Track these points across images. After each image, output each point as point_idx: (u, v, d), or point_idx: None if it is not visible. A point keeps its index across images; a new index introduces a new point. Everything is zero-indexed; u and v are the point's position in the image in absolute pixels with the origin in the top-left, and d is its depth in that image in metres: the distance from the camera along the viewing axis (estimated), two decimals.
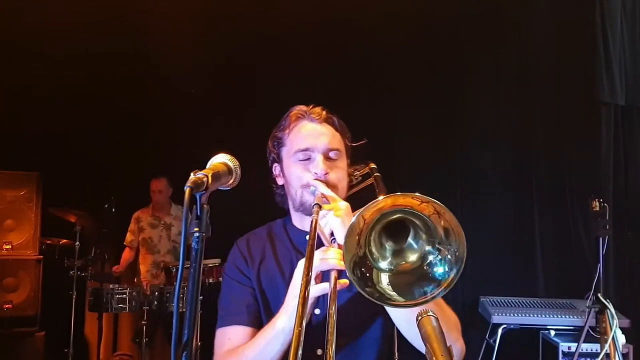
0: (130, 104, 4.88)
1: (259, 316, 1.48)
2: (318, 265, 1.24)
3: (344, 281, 1.22)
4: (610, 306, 2.84)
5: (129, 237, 4.87)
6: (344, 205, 1.36)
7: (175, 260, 4.68)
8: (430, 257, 1.12)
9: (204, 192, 1.03)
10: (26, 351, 4.54)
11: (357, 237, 1.09)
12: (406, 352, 1.41)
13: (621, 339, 2.97)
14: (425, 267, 1.12)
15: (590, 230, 3.40)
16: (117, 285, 4.31)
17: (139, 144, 4.94)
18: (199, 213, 1.02)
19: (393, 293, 1.10)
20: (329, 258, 1.24)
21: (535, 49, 4.53)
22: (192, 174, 1.04)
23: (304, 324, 1.00)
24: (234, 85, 4.82)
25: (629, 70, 4.35)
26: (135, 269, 4.91)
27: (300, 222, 1.57)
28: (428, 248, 1.12)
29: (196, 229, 1.00)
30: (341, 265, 1.20)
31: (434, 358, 0.96)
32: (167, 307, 4.23)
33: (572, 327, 3.61)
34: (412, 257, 1.14)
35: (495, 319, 3.67)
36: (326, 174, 1.46)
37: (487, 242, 4.44)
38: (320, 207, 1.35)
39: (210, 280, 4.25)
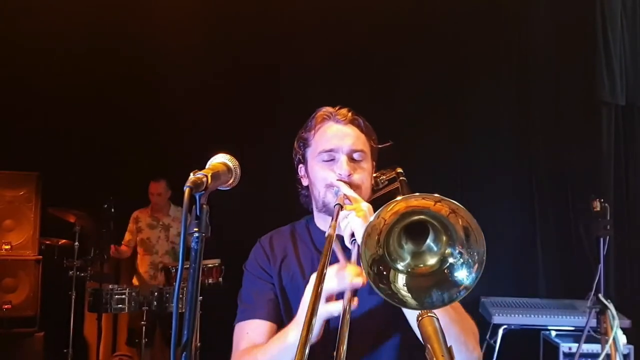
0: (131, 104, 4.87)
1: (279, 312, 1.47)
2: (335, 286, 1.22)
3: (355, 301, 1.20)
4: (611, 306, 2.83)
5: (127, 236, 4.86)
6: (366, 206, 1.35)
7: (173, 261, 4.67)
8: (451, 260, 1.09)
9: (203, 192, 1.02)
10: (25, 352, 4.53)
11: (377, 237, 1.07)
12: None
13: (622, 339, 2.97)
14: (445, 271, 1.09)
15: (591, 230, 3.40)
16: (116, 286, 4.29)
17: (139, 144, 4.94)
18: (198, 213, 1.01)
19: (407, 294, 1.08)
20: (346, 277, 1.21)
21: (535, 49, 4.52)
22: (191, 174, 1.04)
23: (307, 347, 0.97)
24: (234, 85, 4.81)
25: (629, 70, 4.36)
26: (134, 269, 4.90)
27: (323, 222, 1.56)
28: (449, 250, 1.09)
29: (195, 229, 1.00)
30: (358, 282, 1.18)
31: (434, 358, 0.95)
32: (167, 308, 4.22)
33: (573, 328, 3.61)
34: (432, 260, 1.12)
35: (496, 319, 3.67)
36: (349, 175, 1.46)
37: (487, 242, 4.43)
38: (342, 207, 1.34)
39: (210, 281, 4.24)
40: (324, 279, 1.12)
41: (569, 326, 3.62)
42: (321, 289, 1.11)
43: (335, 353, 1.04)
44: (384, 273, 1.09)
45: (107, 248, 4.50)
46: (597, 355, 3.10)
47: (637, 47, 4.40)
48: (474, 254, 1.06)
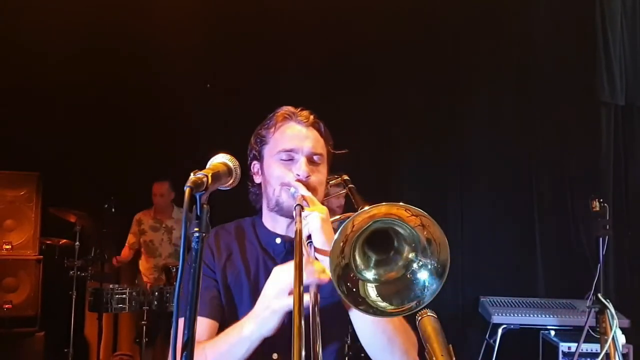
0: (131, 104, 4.88)
1: (222, 310, 1.46)
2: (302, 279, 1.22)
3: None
4: (610, 306, 2.83)
5: (130, 238, 4.84)
6: (324, 209, 1.35)
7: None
8: (414, 265, 1.14)
9: (203, 192, 1.03)
10: (26, 351, 4.54)
11: (341, 245, 1.09)
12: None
13: (621, 339, 2.97)
14: (409, 276, 1.14)
15: (591, 230, 3.40)
16: (117, 286, 4.30)
17: (139, 144, 4.94)
18: (199, 213, 1.01)
19: (384, 304, 1.12)
20: (313, 272, 1.20)
21: (535, 49, 4.52)
22: (192, 174, 1.04)
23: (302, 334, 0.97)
24: (234, 85, 4.81)
25: (629, 70, 4.36)
26: (136, 270, 4.90)
27: (272, 222, 1.56)
28: (411, 256, 1.14)
29: (196, 229, 1.00)
30: (324, 277, 1.18)
31: (434, 358, 0.96)
32: (167, 307, 4.22)
33: (572, 327, 3.61)
34: (397, 266, 1.16)
35: (496, 319, 3.67)
36: (308, 176, 1.47)
37: (487, 242, 4.44)
38: (302, 208, 1.34)
39: None
40: (302, 270, 1.11)
41: (568, 326, 3.62)
42: (302, 280, 1.10)
43: (312, 352, 1.05)
44: (354, 290, 1.12)
45: (108, 248, 4.50)
46: (597, 354, 3.09)
47: (637, 47, 4.40)
48: (435, 260, 1.11)
